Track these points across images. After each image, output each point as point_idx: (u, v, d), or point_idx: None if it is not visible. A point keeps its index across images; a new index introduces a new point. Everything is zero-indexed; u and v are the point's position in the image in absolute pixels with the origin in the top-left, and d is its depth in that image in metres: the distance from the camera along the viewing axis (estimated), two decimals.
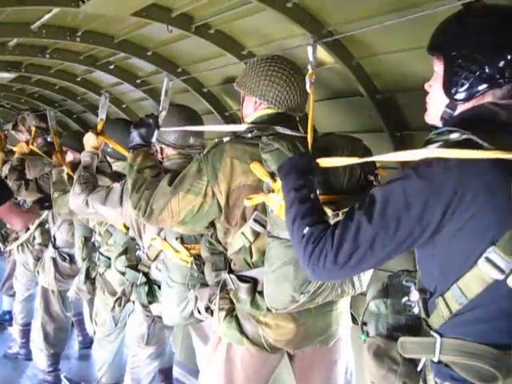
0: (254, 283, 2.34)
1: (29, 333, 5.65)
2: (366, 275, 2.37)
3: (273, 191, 2.15)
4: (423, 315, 1.72)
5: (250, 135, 2.29)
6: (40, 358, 4.97)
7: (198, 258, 3.01)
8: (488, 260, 1.47)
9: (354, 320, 2.59)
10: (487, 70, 1.54)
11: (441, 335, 1.60)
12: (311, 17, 2.94)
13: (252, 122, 2.41)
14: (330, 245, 1.58)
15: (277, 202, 2.12)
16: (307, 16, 2.93)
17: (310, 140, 2.13)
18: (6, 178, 4.97)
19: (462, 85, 1.58)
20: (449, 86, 1.61)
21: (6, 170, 5.23)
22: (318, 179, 1.95)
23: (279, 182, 2.01)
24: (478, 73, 1.55)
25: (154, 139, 2.73)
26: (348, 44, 2.97)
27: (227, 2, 3.12)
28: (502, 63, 1.53)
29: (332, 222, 1.79)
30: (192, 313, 2.94)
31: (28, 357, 5.51)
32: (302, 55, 3.24)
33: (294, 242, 1.74)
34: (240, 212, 2.30)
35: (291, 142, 2.19)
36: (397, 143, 3.10)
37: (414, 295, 1.77)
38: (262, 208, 2.24)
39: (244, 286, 2.34)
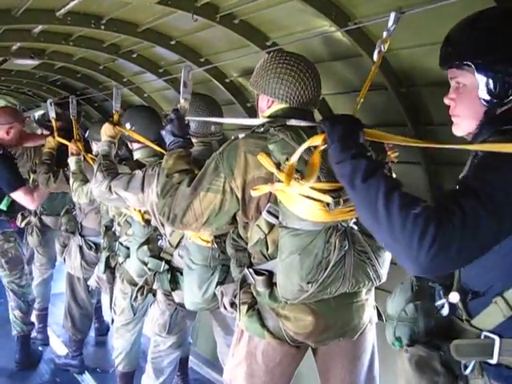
0: (269, 275, 2.35)
1: (46, 318, 5.74)
2: (384, 267, 2.35)
3: (279, 181, 2.16)
4: (465, 316, 1.67)
5: (262, 129, 2.32)
6: (65, 342, 5.06)
7: (218, 236, 3.03)
8: None
9: (379, 316, 2.58)
10: None
11: (499, 336, 1.54)
12: (338, 8, 2.91)
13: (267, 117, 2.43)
14: (455, 233, 1.37)
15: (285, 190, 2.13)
16: (334, 7, 2.90)
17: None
18: (34, 171, 5.01)
19: (504, 89, 1.56)
20: (489, 94, 1.58)
21: None
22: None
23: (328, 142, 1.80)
24: None
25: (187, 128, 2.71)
26: (373, 36, 2.95)
27: None
28: None
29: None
30: (214, 295, 2.97)
31: (45, 342, 5.61)
32: (325, 45, 3.26)
33: (395, 221, 1.44)
34: (255, 205, 2.32)
35: (296, 131, 2.22)
36: (421, 137, 3.07)
37: (454, 297, 1.71)
38: (275, 199, 2.25)
39: (259, 279, 2.35)
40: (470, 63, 1.60)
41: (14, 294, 5.02)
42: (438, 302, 1.80)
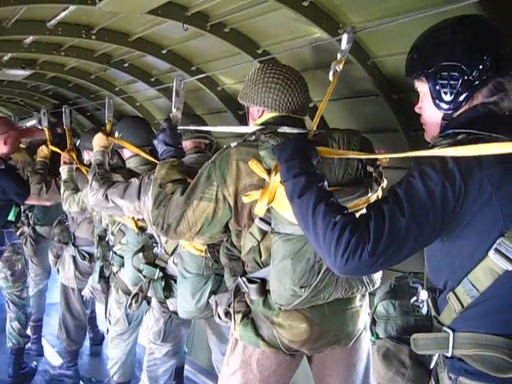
0: (262, 283, 2.35)
1: (40, 328, 5.72)
2: (377, 273, 2.36)
3: None
4: (433, 313, 1.73)
5: (253, 137, 2.32)
6: (59, 353, 5.04)
7: (211, 246, 3.04)
8: (498, 251, 1.51)
9: None
10: (468, 73, 1.62)
11: (453, 330, 1.62)
12: (327, 16, 2.93)
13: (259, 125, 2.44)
14: (367, 236, 1.50)
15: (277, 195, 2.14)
16: (323, 15, 2.92)
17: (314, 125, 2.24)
18: (27, 179, 4.98)
19: (451, 94, 1.65)
20: (440, 100, 1.68)
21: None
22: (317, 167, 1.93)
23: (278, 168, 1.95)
24: (461, 78, 1.63)
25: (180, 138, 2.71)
26: (364, 44, 2.97)
27: (243, 1, 3.12)
28: (478, 63, 1.61)
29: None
30: (207, 304, 2.98)
31: (40, 352, 5.58)
32: (316, 52, 3.28)
33: (319, 229, 1.60)
34: (247, 212, 2.32)
35: (286, 138, 2.22)
36: (412, 143, 3.08)
37: (423, 294, 1.79)
38: None
39: (253, 287, 2.35)
40: (422, 73, 1.71)
41: (14, 305, 4.99)
42: (412, 300, 1.89)
